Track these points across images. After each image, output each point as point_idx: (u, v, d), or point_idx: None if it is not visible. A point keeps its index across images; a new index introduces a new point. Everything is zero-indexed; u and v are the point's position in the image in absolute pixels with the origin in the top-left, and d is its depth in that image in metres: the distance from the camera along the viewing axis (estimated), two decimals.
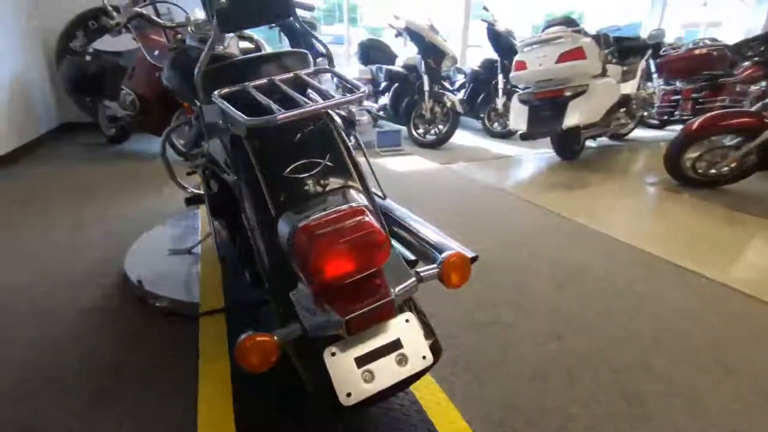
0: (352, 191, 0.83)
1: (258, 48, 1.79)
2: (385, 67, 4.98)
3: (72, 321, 1.56)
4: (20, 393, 1.23)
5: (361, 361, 0.76)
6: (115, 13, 1.57)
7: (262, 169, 0.82)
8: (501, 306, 1.70)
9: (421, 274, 0.82)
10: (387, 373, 0.77)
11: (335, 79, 2.08)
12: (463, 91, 5.41)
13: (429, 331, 0.86)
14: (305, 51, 0.95)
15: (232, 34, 1.74)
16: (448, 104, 4.32)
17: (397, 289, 0.76)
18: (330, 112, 0.94)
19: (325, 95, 0.85)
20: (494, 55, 4.80)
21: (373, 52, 5.41)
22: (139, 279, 1.67)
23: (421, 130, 4.59)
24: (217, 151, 1.02)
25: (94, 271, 1.89)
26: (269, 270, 0.80)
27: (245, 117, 0.72)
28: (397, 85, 4.74)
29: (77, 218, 2.51)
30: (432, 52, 4.30)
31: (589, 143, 4.56)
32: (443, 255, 0.83)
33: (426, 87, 4.36)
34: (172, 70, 1.46)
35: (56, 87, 4.72)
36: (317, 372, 0.74)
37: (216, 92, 0.80)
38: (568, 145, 3.89)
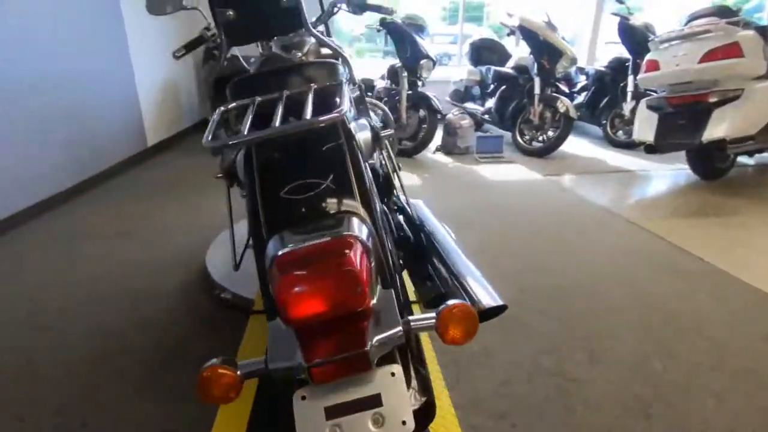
0: (351, 219, 0.74)
1: (335, 54, 1.78)
2: (493, 68, 4.70)
3: (162, 299, 1.76)
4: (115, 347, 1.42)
5: (332, 412, 0.67)
6: (211, 23, 1.69)
7: (261, 186, 0.78)
8: (575, 353, 1.44)
9: (412, 323, 0.70)
10: None
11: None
12: (584, 93, 4.84)
13: (423, 389, 0.73)
14: (333, 61, 0.88)
15: (312, 40, 1.77)
16: (561, 109, 3.89)
17: (374, 340, 0.66)
18: (351, 126, 0.86)
19: (330, 109, 0.78)
20: (626, 54, 4.19)
21: (484, 52, 5.14)
22: (210, 270, 1.81)
23: (527, 137, 4.22)
24: (240, 162, 1.01)
25: (197, 255, 2.09)
26: (261, 293, 0.77)
27: (208, 137, 0.68)
28: (504, 87, 4.44)
29: (198, 203, 2.86)
30: (546, 51, 3.91)
31: (744, 160, 3.71)
32: (444, 304, 0.70)
33: (536, 90, 3.99)
34: None
35: (200, 88, 5.49)
36: (287, 413, 0.68)
37: (222, 106, 0.79)
38: (710, 161, 3.20)
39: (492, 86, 4.70)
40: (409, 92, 4.02)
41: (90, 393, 1.29)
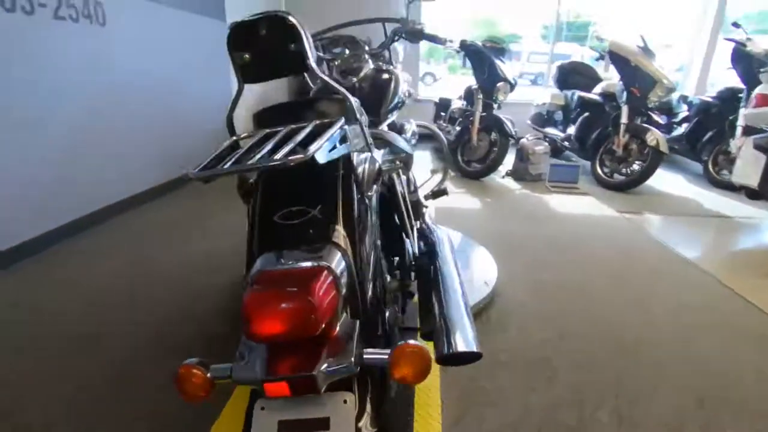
0: (329, 249, 0.79)
1: (388, 79, 1.86)
2: (578, 93, 4.45)
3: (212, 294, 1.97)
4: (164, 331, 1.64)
5: (284, 427, 0.72)
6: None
7: (259, 209, 0.87)
8: (600, 411, 1.32)
9: (365, 356, 0.72)
10: None
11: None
12: (685, 125, 4.37)
13: (377, 421, 0.75)
14: (342, 98, 0.93)
15: (369, 66, 1.87)
16: (651, 142, 3.55)
17: (324, 366, 0.70)
18: (355, 159, 0.91)
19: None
20: (741, 84, 3.71)
21: (573, 75, 4.88)
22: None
23: (607, 168, 3.92)
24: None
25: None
26: None
27: (191, 167, 0.74)
28: (588, 114, 4.17)
29: None
30: (638, 78, 3.61)
31: None
32: (399, 342, 0.71)
33: (624, 119, 3.70)
34: None
35: None
36: (247, 420, 0.74)
37: (236, 136, 0.89)
38: None
39: (575, 112, 4.45)
40: (483, 114, 3.97)
41: None
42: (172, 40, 3.27)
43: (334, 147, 0.77)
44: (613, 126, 3.83)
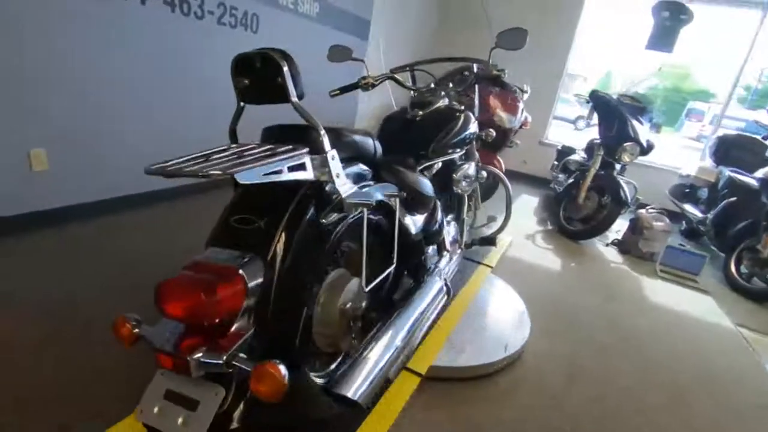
0: (250, 259, 0.87)
1: (452, 117, 1.88)
2: (729, 172, 3.71)
3: None
4: None
5: (168, 395, 0.83)
6: (368, 72, 2.01)
7: (227, 209, 0.99)
8: None
9: (236, 361, 0.79)
10: (170, 420, 0.80)
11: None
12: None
13: (242, 419, 0.81)
14: (315, 130, 0.97)
15: (438, 103, 1.92)
16: None
17: (196, 355, 0.78)
18: (321, 186, 0.97)
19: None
20: None
21: (735, 150, 4.07)
22: None
23: (745, 270, 3.19)
24: None
25: None
26: None
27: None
28: (735, 198, 3.45)
29: None
30: None
31: None
32: (265, 360, 0.76)
33: None
34: None
35: None
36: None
37: (236, 144, 1.02)
38: None
39: (722, 193, 3.72)
40: (600, 172, 3.61)
41: None
42: (316, 53, 3.73)
43: (278, 171, 0.85)
44: (765, 221, 3.11)
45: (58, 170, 2.20)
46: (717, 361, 2.18)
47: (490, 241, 2.15)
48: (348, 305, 1.23)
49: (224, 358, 0.79)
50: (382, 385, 0.98)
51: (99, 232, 2.38)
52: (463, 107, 1.94)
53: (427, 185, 1.48)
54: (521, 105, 3.95)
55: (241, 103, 1.02)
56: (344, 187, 1.01)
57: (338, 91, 2.01)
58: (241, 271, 0.84)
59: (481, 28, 4.38)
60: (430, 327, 1.59)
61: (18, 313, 1.62)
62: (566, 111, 11.81)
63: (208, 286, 0.79)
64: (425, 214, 1.55)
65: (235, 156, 0.84)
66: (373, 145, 1.26)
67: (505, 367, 1.75)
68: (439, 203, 1.73)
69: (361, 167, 1.20)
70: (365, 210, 1.05)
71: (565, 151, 4.65)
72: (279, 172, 0.86)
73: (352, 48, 1.96)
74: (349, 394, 0.91)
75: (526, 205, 4.73)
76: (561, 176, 4.25)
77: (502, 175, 2.30)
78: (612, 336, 2.20)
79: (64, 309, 1.67)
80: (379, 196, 1.17)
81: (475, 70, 1.98)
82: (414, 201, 1.41)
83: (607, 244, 3.72)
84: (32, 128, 2.07)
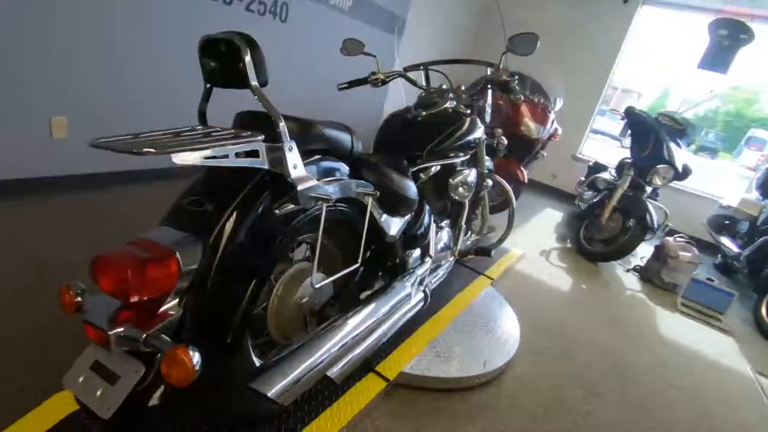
0: (190, 241, 0.87)
1: (454, 121, 1.82)
2: None
3: None
4: None
5: (94, 365, 0.84)
6: (379, 68, 1.98)
7: (185, 190, 0.99)
8: None
9: (152, 340, 0.78)
10: (90, 390, 0.81)
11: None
12: None
13: (148, 394, 0.81)
14: (277, 126, 0.95)
15: (446, 105, 1.87)
16: None
17: (116, 330, 0.78)
18: (294, 177, 0.95)
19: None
20: None
21: None
22: None
23: None
24: None
25: None
26: None
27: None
28: None
29: None
30: None
31: None
32: (178, 344, 0.74)
33: None
34: None
35: None
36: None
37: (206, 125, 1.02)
38: None
39: (764, 228, 3.43)
40: (629, 193, 3.41)
41: None
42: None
43: (224, 157, 0.84)
44: None
45: (77, 139, 2.30)
46: (719, 413, 1.99)
47: (485, 252, 2.07)
48: (304, 299, 1.21)
49: (143, 336, 0.79)
50: (323, 384, 0.96)
51: (108, 201, 2.48)
52: (469, 111, 1.88)
53: (409, 187, 1.44)
54: (552, 116, 3.80)
55: (208, 85, 1.02)
56: (301, 179, 0.98)
57: (346, 85, 1.99)
58: (177, 254, 0.83)
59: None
60: (400, 332, 1.54)
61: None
62: (611, 126, 11.28)
63: (138, 264, 0.79)
64: (406, 217, 1.50)
65: (191, 137, 0.83)
66: (350, 140, 1.23)
67: (480, 384, 1.68)
68: (427, 207, 1.68)
69: (331, 162, 1.17)
70: (324, 205, 1.02)
71: (596, 168, 4.43)
72: (225, 157, 0.85)
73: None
74: (270, 393, 0.89)
75: (549, 219, 4.56)
76: (587, 193, 4.05)
77: (506, 185, 2.21)
78: (606, 371, 2.05)
79: (51, 269, 1.74)
80: (343, 193, 1.13)
81: (488, 73, 1.91)
82: (393, 202, 1.37)
83: (628, 270, 3.52)
84: (56, 96, 2.17)
